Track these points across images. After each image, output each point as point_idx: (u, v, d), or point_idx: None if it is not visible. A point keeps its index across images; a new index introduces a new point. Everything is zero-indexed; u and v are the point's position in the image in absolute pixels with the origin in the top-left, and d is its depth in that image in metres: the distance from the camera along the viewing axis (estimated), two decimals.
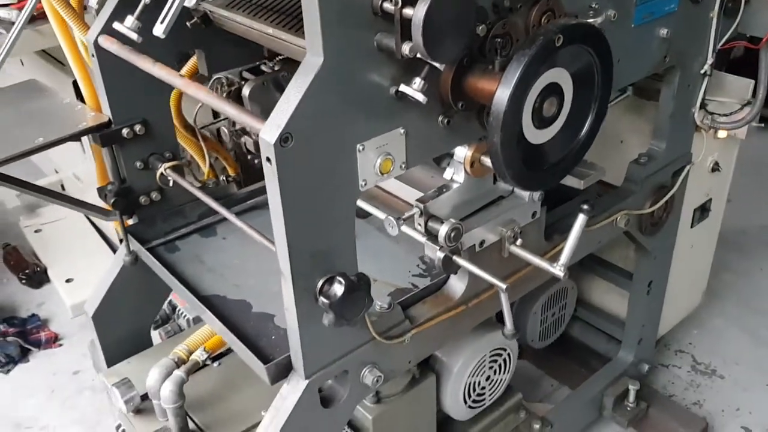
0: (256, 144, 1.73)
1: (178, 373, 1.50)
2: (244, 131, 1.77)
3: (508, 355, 1.84)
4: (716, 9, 1.69)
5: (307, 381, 1.25)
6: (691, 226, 2.13)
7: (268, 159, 1.04)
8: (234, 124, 1.76)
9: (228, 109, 1.12)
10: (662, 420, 2.14)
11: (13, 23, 2.20)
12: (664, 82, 1.74)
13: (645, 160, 1.80)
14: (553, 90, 1.11)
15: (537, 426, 1.96)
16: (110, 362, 1.76)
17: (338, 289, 1.14)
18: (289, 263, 1.12)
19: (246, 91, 1.65)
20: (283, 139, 1.02)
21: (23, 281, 2.99)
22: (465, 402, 1.79)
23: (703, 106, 1.85)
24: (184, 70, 1.67)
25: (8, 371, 2.58)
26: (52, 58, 2.87)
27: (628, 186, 1.80)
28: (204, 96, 1.17)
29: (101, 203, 1.65)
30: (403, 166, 1.19)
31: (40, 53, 2.91)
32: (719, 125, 1.88)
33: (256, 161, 1.90)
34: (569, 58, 1.10)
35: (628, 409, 2.14)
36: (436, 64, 1.08)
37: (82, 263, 3.03)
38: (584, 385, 2.13)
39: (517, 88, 1.02)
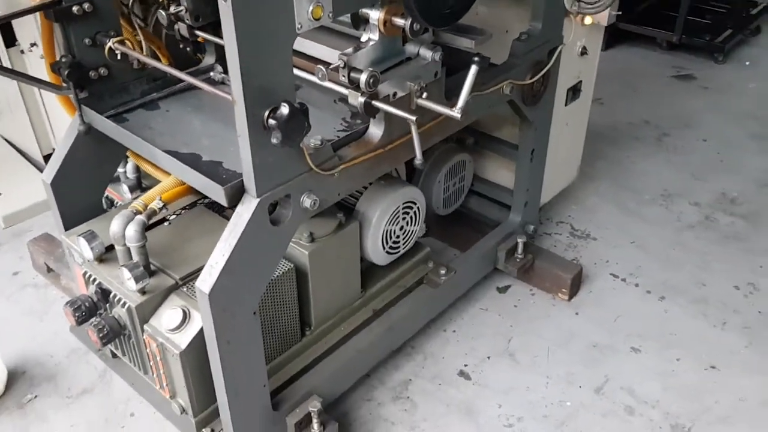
0: (190, 29, 1.95)
1: (140, 217, 1.73)
2: (177, 18, 1.97)
3: (418, 208, 2.18)
4: None
5: (258, 199, 1.53)
6: (566, 104, 2.53)
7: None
8: (168, 7, 1.94)
9: None
10: (545, 268, 2.56)
11: None
12: None
13: (525, 37, 2.15)
14: None
15: (443, 272, 2.32)
16: (67, 228, 1.96)
17: (284, 110, 1.41)
18: (242, 93, 1.38)
19: None
20: None
21: None
22: (383, 248, 2.13)
23: None
24: None
25: None
26: None
27: (511, 60, 2.15)
28: None
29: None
30: (330, 15, 1.47)
31: None
32: (584, 10, 2.25)
33: (188, 48, 2.11)
34: None
35: (518, 260, 2.54)
36: None
37: (8, 180, 3.13)
38: (481, 241, 2.51)
39: None
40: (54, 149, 3.17)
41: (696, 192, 3.17)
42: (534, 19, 2.16)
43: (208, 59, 2.11)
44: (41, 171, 3.17)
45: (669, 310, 2.55)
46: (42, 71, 2.73)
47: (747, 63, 4.38)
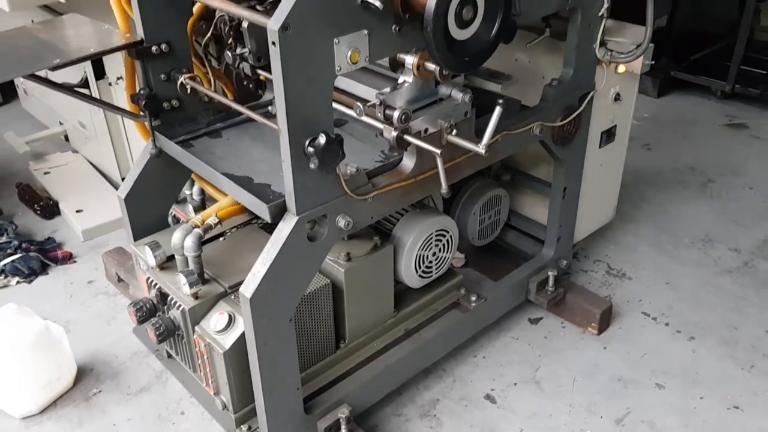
0: (252, 68, 2.21)
1: (197, 230, 1.97)
2: (242, 58, 2.23)
3: (451, 237, 2.35)
4: None
5: (297, 217, 1.74)
6: (600, 147, 2.66)
7: (273, 43, 1.52)
8: (235, 49, 2.21)
9: (244, 13, 1.60)
10: (576, 302, 2.67)
11: None
12: (570, 21, 2.26)
13: (556, 83, 2.32)
14: (469, 1, 1.62)
15: (474, 298, 2.47)
16: (136, 239, 2.22)
17: (321, 140, 1.62)
18: (287, 123, 1.60)
19: (245, 24, 2.12)
20: (284, 27, 1.50)
21: (38, 212, 3.41)
22: (416, 271, 2.30)
23: (603, 44, 2.37)
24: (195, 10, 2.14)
25: (31, 281, 3.01)
26: (51, 10, 3.28)
27: (542, 104, 2.31)
28: (225, 6, 1.64)
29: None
30: (367, 59, 1.68)
31: (42, 8, 3.32)
32: (616, 59, 2.40)
33: (250, 85, 2.38)
34: None
35: (548, 293, 2.66)
36: None
37: (89, 197, 3.47)
38: (514, 272, 2.65)
39: None
40: None
41: (737, 238, 3.22)
42: (566, 65, 2.32)
43: (268, 95, 2.36)
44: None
45: (697, 350, 2.61)
46: (123, 102, 3.07)
47: None
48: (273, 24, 1.50)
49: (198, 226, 2.01)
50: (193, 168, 2.05)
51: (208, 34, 2.25)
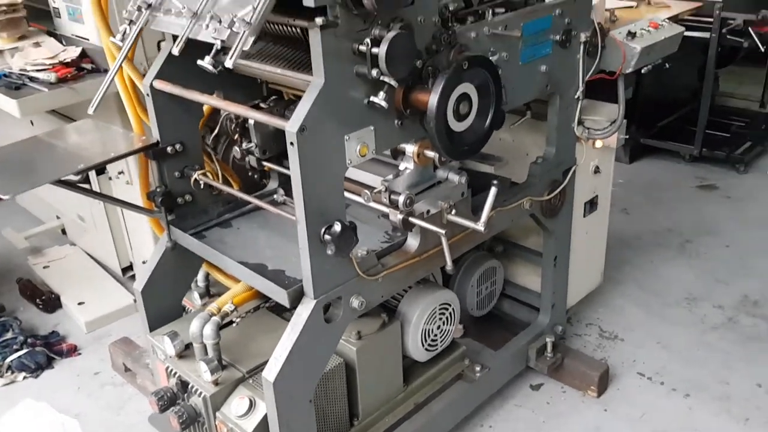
0: (258, 161, 2.36)
1: (215, 318, 2.06)
2: (249, 152, 2.37)
3: (453, 310, 2.46)
4: (581, 51, 2.41)
5: (315, 301, 1.84)
6: (584, 216, 2.83)
7: (291, 143, 1.66)
8: (241, 144, 2.36)
9: (262, 117, 1.75)
10: (574, 367, 2.77)
11: (52, 83, 2.81)
12: (550, 104, 2.45)
13: (541, 161, 2.49)
14: (465, 97, 1.79)
15: (478, 368, 2.57)
16: (152, 329, 2.30)
17: (337, 228, 1.75)
18: (304, 214, 1.73)
19: (251, 121, 2.28)
20: (301, 129, 1.65)
21: (40, 307, 3.46)
22: (422, 345, 2.39)
23: (581, 122, 2.56)
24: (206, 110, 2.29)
25: (37, 376, 3.03)
26: (62, 115, 3.43)
27: (530, 180, 2.48)
28: (243, 111, 1.80)
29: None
30: (374, 151, 1.84)
31: (50, 113, 3.47)
32: (593, 136, 2.59)
33: (255, 176, 2.51)
34: (473, 77, 1.78)
35: (547, 359, 2.76)
36: (393, 83, 1.74)
37: (89, 289, 3.53)
38: (513, 341, 2.76)
39: (441, 93, 1.69)
40: (131, 262, 3.61)
41: (719, 295, 3.37)
42: (549, 144, 2.50)
43: (272, 184, 2.50)
44: (119, 282, 3.60)
45: (693, 407, 2.71)
46: (123, 195, 3.19)
47: None
48: (291, 126, 1.65)
49: (215, 314, 2.10)
50: (209, 258, 2.16)
51: (216, 131, 2.40)
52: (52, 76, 2.79)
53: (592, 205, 2.85)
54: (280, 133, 2.23)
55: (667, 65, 2.69)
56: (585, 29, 2.39)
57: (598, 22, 2.44)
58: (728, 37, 4.01)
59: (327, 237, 1.76)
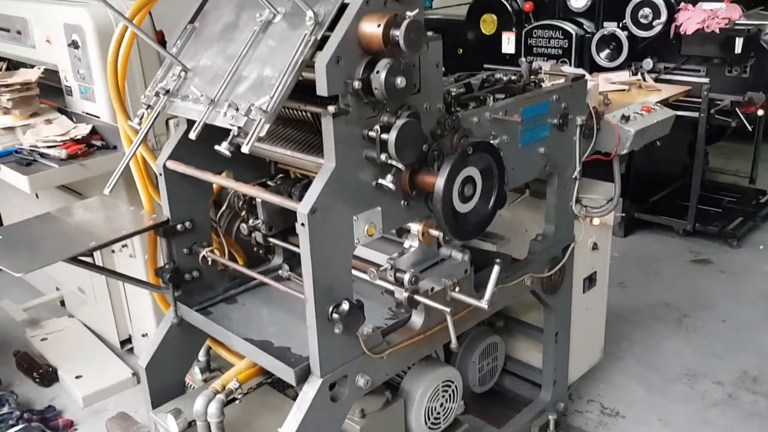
0: (264, 237, 2.40)
1: (220, 396, 2.06)
2: (255, 228, 2.42)
3: (456, 387, 2.46)
4: (577, 134, 2.51)
5: (321, 380, 1.86)
6: (584, 292, 2.87)
7: (302, 224, 1.71)
8: (248, 220, 2.41)
9: (275, 199, 1.81)
10: None
11: (63, 160, 2.88)
12: (548, 184, 2.53)
13: (541, 238, 2.55)
14: (470, 180, 1.86)
15: None
16: (155, 406, 2.29)
17: (345, 307, 1.78)
18: (313, 293, 1.77)
19: (258, 199, 2.34)
20: (312, 211, 1.70)
21: (36, 381, 3.43)
22: (426, 423, 2.38)
23: (578, 201, 2.64)
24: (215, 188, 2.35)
25: None
26: (69, 189, 3.49)
27: (530, 257, 2.53)
28: (255, 192, 1.86)
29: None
30: (381, 231, 1.89)
31: (57, 187, 3.53)
32: (591, 214, 2.66)
33: (260, 251, 2.55)
34: (477, 161, 1.85)
35: None
36: (400, 166, 1.80)
37: (87, 363, 3.51)
38: (515, 419, 2.75)
39: (447, 177, 1.76)
40: (130, 335, 3.60)
41: (718, 371, 3.38)
42: (548, 222, 2.57)
43: (277, 259, 2.54)
44: (118, 355, 3.58)
45: None
46: (126, 268, 3.22)
47: (761, 247, 4.70)
48: (303, 208, 1.71)
49: (219, 392, 2.10)
50: (215, 335, 2.18)
51: (223, 208, 2.46)
52: (62, 153, 2.87)
53: (591, 281, 2.89)
54: (286, 210, 2.30)
55: (658, 142, 2.80)
56: (581, 113, 2.49)
57: (593, 106, 2.55)
58: (716, 117, 4.14)
59: (335, 316, 1.78)
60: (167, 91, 1.92)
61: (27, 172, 2.79)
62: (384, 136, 1.73)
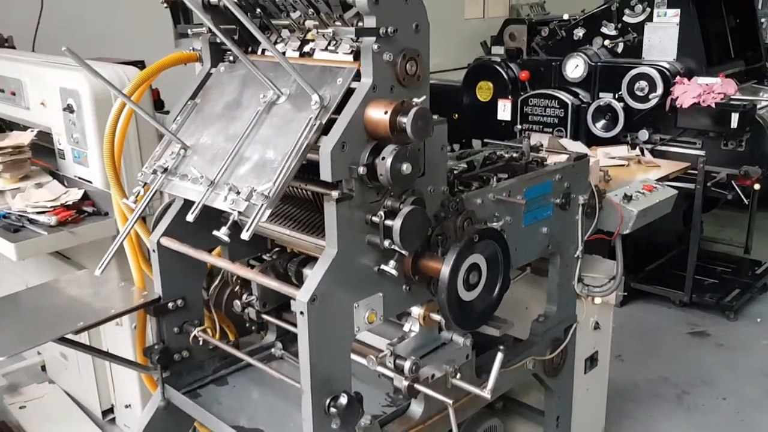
0: (258, 313, 2.32)
1: None
2: (249, 304, 2.35)
3: None
4: (580, 213, 2.47)
5: None
6: (585, 373, 2.78)
7: (301, 312, 1.64)
8: (242, 296, 2.34)
9: (274, 284, 1.74)
10: None
11: (52, 226, 2.81)
12: (550, 263, 2.48)
13: (543, 319, 2.48)
14: (475, 267, 1.80)
15: None
16: None
17: (343, 400, 1.70)
18: (310, 384, 1.68)
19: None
20: (312, 299, 1.63)
21: None
22: None
23: (580, 280, 2.58)
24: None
25: None
26: (58, 253, 3.40)
27: (532, 338, 2.46)
28: (252, 275, 1.79)
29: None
30: (381, 318, 1.82)
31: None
32: (593, 293, 2.61)
33: (253, 327, 2.47)
34: (483, 248, 1.80)
35: None
36: (404, 252, 1.75)
37: None
38: None
39: (453, 265, 1.70)
40: (112, 404, 3.47)
41: None
42: (549, 302, 2.51)
43: (270, 336, 2.45)
44: (98, 425, 3.43)
45: None
46: (112, 336, 3.11)
47: (759, 320, 4.65)
48: (302, 296, 1.64)
49: None
50: (204, 421, 2.07)
51: (216, 282, 2.38)
52: (52, 219, 2.79)
53: (592, 361, 2.82)
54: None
55: None
56: (583, 192, 2.46)
57: (595, 185, 2.52)
58: (712, 189, 4.14)
59: (332, 410, 1.70)
60: (165, 169, 1.87)
61: (14, 239, 2.70)
62: (388, 222, 1.68)
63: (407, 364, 1.89)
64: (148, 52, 4.62)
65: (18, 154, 3.08)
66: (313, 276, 1.65)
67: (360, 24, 1.71)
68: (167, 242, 2.04)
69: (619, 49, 4.51)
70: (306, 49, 1.89)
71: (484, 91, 5.01)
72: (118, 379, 3.40)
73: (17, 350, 1.80)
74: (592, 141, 4.45)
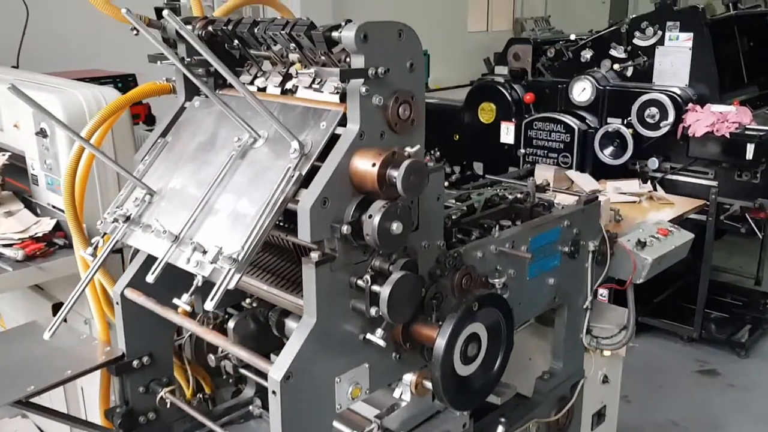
0: (234, 367, 2.11)
1: None
2: (225, 357, 2.14)
3: None
4: (589, 261, 2.26)
5: None
6: (591, 430, 2.57)
7: (273, 392, 1.43)
8: (218, 351, 2.13)
9: (242, 354, 1.53)
10: None
11: (18, 261, 2.59)
12: (557, 315, 2.27)
13: (548, 376, 2.27)
14: (474, 338, 1.59)
15: None
16: None
17: None
18: None
19: (231, 324, 2.06)
20: (286, 377, 1.42)
21: None
22: None
23: (589, 331, 2.38)
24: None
25: None
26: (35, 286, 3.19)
27: (536, 398, 2.24)
28: (222, 342, 1.58)
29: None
30: (367, 391, 1.61)
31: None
32: (602, 346, 2.39)
33: (230, 380, 2.26)
34: (484, 317, 1.59)
35: None
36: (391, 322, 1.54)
37: None
38: None
39: (449, 338, 1.49)
40: None
41: None
42: (555, 358, 2.29)
43: (248, 391, 2.24)
44: None
45: None
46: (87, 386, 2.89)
47: None
48: (275, 374, 1.43)
49: None
50: None
51: (188, 334, 2.17)
52: (18, 254, 2.58)
53: (599, 416, 2.60)
54: (261, 338, 2.03)
55: None
56: (593, 238, 2.25)
57: (607, 230, 2.32)
58: (725, 221, 3.94)
59: None
60: (127, 218, 1.66)
61: None
62: (375, 288, 1.47)
63: None
64: (140, 64, 4.44)
65: None
66: (287, 351, 1.44)
67: (347, 60, 1.51)
68: (132, 295, 1.83)
69: (629, 73, 4.31)
70: (288, 85, 1.69)
71: (486, 112, 4.81)
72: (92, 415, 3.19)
73: None
74: (599, 168, 4.25)
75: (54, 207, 2.88)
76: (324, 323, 1.47)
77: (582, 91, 4.38)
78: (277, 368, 1.43)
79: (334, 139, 1.49)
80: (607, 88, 4.34)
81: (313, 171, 1.47)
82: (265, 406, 2.17)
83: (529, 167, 3.98)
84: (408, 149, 1.47)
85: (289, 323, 1.96)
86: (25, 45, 4.54)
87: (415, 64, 1.53)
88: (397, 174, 1.40)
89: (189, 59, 1.77)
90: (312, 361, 1.47)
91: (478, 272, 1.79)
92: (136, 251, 1.90)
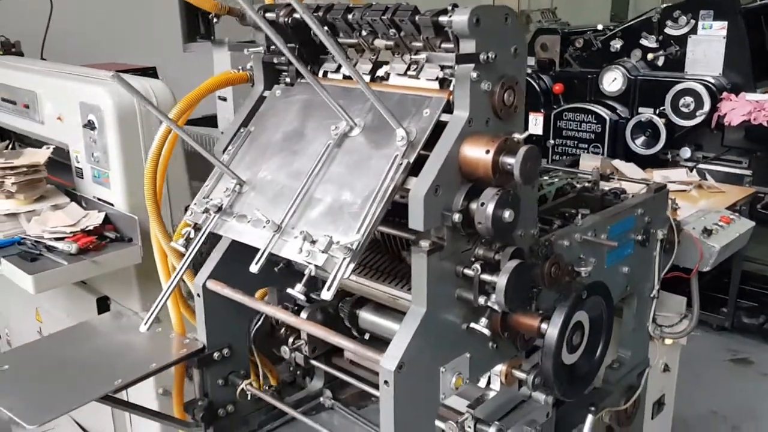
0: (306, 359, 2.09)
1: None
2: (296, 349, 2.12)
3: None
4: (658, 248, 2.25)
5: None
6: (652, 418, 2.57)
7: (386, 382, 1.41)
8: (287, 340, 2.11)
9: (349, 345, 1.51)
10: None
11: (72, 255, 2.56)
12: (625, 305, 2.25)
13: (617, 365, 2.26)
14: (578, 326, 1.58)
15: None
16: None
17: None
18: None
19: (304, 315, 2.04)
20: (399, 367, 1.41)
21: None
22: None
23: (654, 320, 2.37)
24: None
25: None
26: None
27: (606, 387, 2.23)
28: (322, 333, 1.56)
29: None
30: (467, 381, 1.59)
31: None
32: (666, 335, 2.39)
33: (298, 372, 2.24)
34: (591, 307, 1.58)
35: None
36: (497, 308, 1.52)
37: None
38: None
39: (562, 327, 1.48)
40: None
41: None
42: (623, 347, 2.28)
43: (317, 383, 2.22)
44: None
45: None
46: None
47: None
48: (388, 364, 1.41)
49: None
50: None
51: (260, 323, 2.15)
52: (72, 247, 2.54)
53: (660, 405, 2.60)
54: (330, 328, 2.00)
55: None
56: (662, 226, 2.24)
57: (673, 218, 2.31)
58: (760, 210, 3.93)
59: None
60: (219, 208, 1.64)
61: (32, 270, 2.45)
62: (486, 277, 1.45)
63: (492, 430, 1.67)
64: (157, 58, 4.39)
65: (33, 173, 2.84)
66: (399, 340, 1.43)
67: (442, 47, 1.49)
68: (214, 286, 1.81)
69: (660, 62, 4.30)
70: (380, 72, 1.66)
71: None
72: (135, 416, 3.16)
73: (49, 417, 1.56)
74: (631, 158, 4.23)
75: (100, 200, 2.85)
76: (433, 312, 1.45)
77: (612, 81, 4.36)
78: (390, 358, 1.41)
79: (437, 126, 1.47)
80: (639, 77, 4.32)
81: (417, 159, 1.45)
82: (336, 397, 2.16)
83: (565, 159, 3.96)
84: (516, 135, 1.45)
85: (363, 314, 1.95)
86: (48, 38, 4.48)
87: (519, 49, 1.51)
88: (513, 161, 1.38)
89: (273, 47, 1.75)
90: (421, 350, 1.45)
91: (565, 261, 1.78)
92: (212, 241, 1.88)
